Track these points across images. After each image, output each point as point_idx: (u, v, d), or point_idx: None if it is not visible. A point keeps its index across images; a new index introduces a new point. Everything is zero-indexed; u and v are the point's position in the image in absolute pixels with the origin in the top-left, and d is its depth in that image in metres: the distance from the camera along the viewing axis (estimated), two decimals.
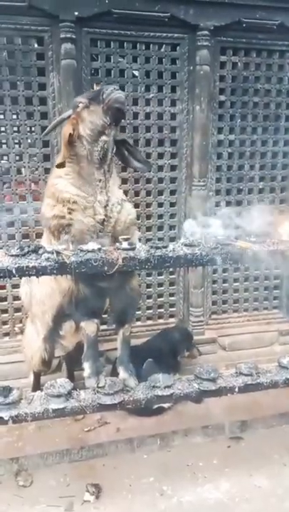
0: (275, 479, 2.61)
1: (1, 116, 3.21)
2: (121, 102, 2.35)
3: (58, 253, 2.03)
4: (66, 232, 2.34)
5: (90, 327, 2.48)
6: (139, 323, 3.70)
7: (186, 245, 2.24)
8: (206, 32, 3.22)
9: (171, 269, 3.63)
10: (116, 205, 2.47)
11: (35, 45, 3.13)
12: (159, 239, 3.57)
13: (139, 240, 2.66)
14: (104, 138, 2.38)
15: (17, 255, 2.01)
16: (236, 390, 2.36)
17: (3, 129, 3.25)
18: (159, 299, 3.77)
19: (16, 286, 3.39)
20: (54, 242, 2.38)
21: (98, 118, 2.35)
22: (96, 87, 3.26)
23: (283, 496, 2.50)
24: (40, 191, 3.29)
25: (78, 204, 2.37)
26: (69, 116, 2.48)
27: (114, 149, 2.50)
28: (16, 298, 3.42)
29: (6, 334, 3.48)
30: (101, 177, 2.43)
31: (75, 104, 2.46)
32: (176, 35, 3.25)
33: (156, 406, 2.84)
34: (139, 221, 3.45)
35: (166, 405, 2.97)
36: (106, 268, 2.08)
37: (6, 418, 2.09)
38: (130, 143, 2.66)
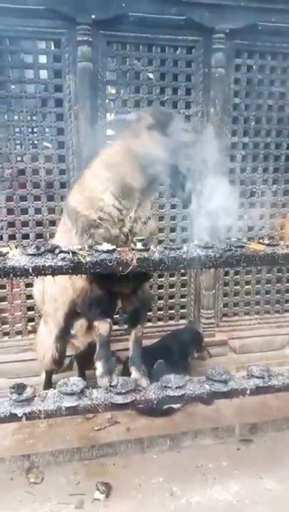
0: (285, 483, 2.60)
1: (16, 117, 3.26)
2: (188, 147, 2.19)
3: (74, 253, 2.05)
4: (90, 236, 2.33)
5: (103, 326, 2.50)
6: (149, 324, 3.71)
7: (199, 247, 2.25)
8: (221, 35, 3.23)
9: (183, 271, 3.65)
10: (143, 222, 2.45)
11: (52, 48, 3.17)
12: (171, 240, 3.59)
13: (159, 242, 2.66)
14: (156, 167, 2.24)
15: (33, 254, 2.03)
16: (248, 392, 2.36)
17: (18, 129, 3.29)
18: (170, 300, 3.79)
19: (28, 285, 3.43)
20: (74, 236, 2.38)
21: (158, 150, 2.20)
22: (111, 90, 3.38)
23: None
24: (54, 191, 3.35)
25: (112, 215, 2.34)
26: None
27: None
28: (29, 297, 3.47)
29: (19, 333, 3.52)
30: (140, 196, 2.37)
31: (138, 116, 2.32)
32: (191, 38, 3.27)
33: (166, 406, 2.85)
34: None
35: (176, 406, 2.97)
36: (120, 268, 2.10)
37: (19, 415, 2.11)
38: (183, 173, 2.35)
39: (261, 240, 2.44)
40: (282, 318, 4.01)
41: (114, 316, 3.03)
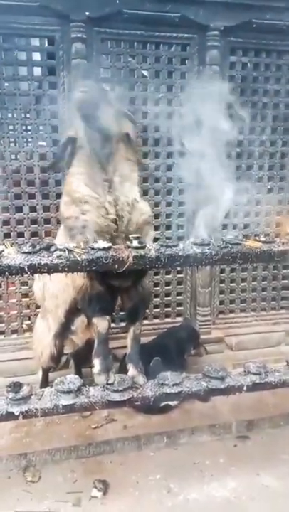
0: (283, 479, 2.61)
1: (10, 115, 3.24)
2: (82, 105, 2.33)
3: (70, 251, 2.05)
4: (81, 233, 2.35)
5: (101, 324, 2.50)
6: (146, 321, 3.70)
7: (195, 244, 2.25)
8: (216, 32, 3.23)
9: (179, 268, 3.65)
10: (126, 205, 2.45)
11: (46, 45, 3.16)
12: (167, 238, 3.59)
13: (155, 240, 2.66)
14: (88, 137, 2.39)
15: (29, 252, 2.03)
16: (244, 388, 2.37)
17: (11, 127, 3.28)
18: (166, 298, 3.79)
19: (24, 283, 3.43)
20: (68, 240, 2.40)
21: (78, 121, 2.39)
22: (105, 88, 3.36)
23: None
24: (49, 189, 3.34)
25: (90, 204, 2.38)
26: None
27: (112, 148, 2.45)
28: (25, 295, 3.46)
29: (14, 331, 3.51)
30: (105, 177, 2.42)
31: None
32: (186, 35, 3.27)
33: (163, 404, 2.86)
34: None
35: (173, 403, 2.98)
36: (116, 266, 2.09)
37: (16, 413, 2.11)
38: (130, 139, 2.53)
39: (257, 237, 2.44)
40: (279, 315, 4.02)
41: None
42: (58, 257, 2.02)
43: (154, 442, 2.86)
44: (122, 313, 3.41)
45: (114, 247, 2.17)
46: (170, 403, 2.93)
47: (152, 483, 2.59)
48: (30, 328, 3.41)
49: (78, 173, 2.45)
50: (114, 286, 2.50)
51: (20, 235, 3.39)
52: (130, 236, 2.25)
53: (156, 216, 3.59)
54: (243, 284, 3.93)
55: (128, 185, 2.49)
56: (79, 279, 2.43)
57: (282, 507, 2.43)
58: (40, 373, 3.17)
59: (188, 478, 2.62)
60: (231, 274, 3.88)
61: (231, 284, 3.90)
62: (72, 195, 2.44)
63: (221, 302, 3.91)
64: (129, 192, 2.49)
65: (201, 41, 3.28)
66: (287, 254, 2.28)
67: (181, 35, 3.25)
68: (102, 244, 2.15)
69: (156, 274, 3.69)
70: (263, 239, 2.37)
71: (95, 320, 2.52)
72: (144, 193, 3.52)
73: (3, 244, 2.16)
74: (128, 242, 2.20)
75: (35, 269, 2.01)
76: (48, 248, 2.07)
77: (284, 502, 2.45)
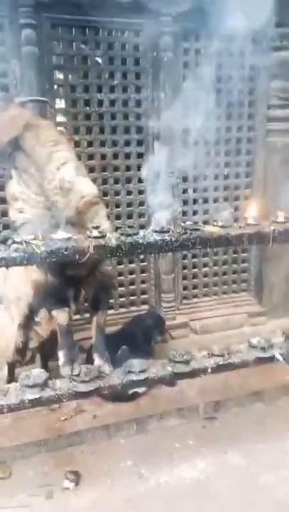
0: (249, 457, 2.70)
1: None
2: None
3: (28, 243, 2.01)
4: (28, 230, 2.32)
5: (61, 316, 2.48)
6: (111, 311, 3.70)
7: (156, 232, 2.26)
8: (168, 18, 3.21)
9: (142, 257, 3.67)
10: (55, 188, 2.36)
11: None
12: (129, 227, 3.58)
13: (111, 224, 2.68)
14: None
15: None
16: (209, 370, 2.42)
17: None
18: (130, 287, 3.80)
19: None
20: None
21: None
22: (58, 75, 3.30)
23: (257, 472, 2.58)
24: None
25: (21, 200, 2.42)
26: None
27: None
28: None
29: None
30: (17, 171, 2.46)
31: None
32: (138, 21, 3.23)
33: (131, 391, 2.88)
34: (108, 209, 3.42)
35: (140, 390, 3.01)
36: (77, 257, 2.07)
37: None
38: (32, 125, 2.50)
39: (215, 223, 2.47)
40: (239, 298, 4.12)
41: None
42: (15, 250, 1.98)
43: (123, 430, 2.89)
44: (87, 304, 3.40)
45: (74, 237, 2.14)
46: (138, 390, 2.96)
47: (124, 470, 2.61)
48: None
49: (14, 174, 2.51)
50: (74, 276, 2.48)
51: None
52: (90, 226, 2.23)
53: (117, 205, 3.58)
54: (204, 269, 3.99)
55: (50, 168, 2.38)
56: (34, 272, 2.40)
57: (248, 483, 2.51)
58: (5, 369, 3.11)
59: (158, 462, 2.66)
60: (193, 259, 3.93)
61: (194, 270, 3.96)
62: (7, 195, 2.52)
63: (185, 288, 3.96)
64: (54, 174, 2.37)
65: (155, 27, 3.23)
66: (243, 238, 2.33)
67: (133, 21, 3.21)
68: (62, 235, 2.12)
69: (119, 263, 3.69)
70: (220, 224, 2.40)
71: (54, 313, 2.50)
72: (104, 181, 3.50)
73: None
74: (88, 232, 2.18)
75: None
76: (4, 241, 2.02)
77: (250, 479, 2.54)
